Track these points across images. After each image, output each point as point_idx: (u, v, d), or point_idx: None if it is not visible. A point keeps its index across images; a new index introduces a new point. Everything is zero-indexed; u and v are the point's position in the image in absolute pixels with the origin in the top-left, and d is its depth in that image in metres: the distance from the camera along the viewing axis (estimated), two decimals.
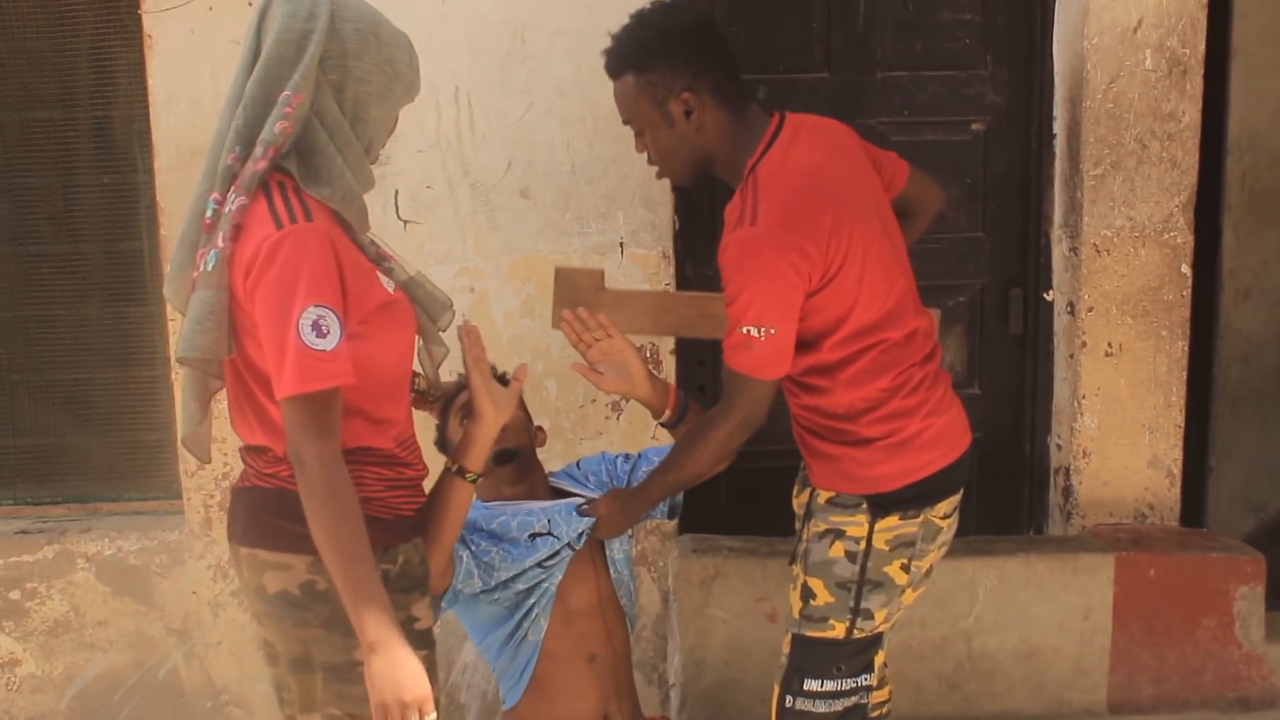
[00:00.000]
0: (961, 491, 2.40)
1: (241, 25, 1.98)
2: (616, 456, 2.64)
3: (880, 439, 2.26)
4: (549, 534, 2.35)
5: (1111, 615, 3.25)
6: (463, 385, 2.44)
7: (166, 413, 3.26)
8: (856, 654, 2.32)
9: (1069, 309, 3.38)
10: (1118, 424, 3.37)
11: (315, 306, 1.78)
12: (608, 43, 3.15)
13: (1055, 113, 3.39)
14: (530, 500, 2.46)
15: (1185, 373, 3.38)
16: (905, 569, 2.30)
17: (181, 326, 1.87)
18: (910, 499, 2.28)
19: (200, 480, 3.23)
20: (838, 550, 2.30)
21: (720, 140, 2.25)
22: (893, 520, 2.28)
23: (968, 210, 3.53)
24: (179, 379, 2.04)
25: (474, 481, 2.16)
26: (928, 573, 2.41)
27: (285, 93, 1.85)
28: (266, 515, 1.96)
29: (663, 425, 2.49)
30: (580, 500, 2.44)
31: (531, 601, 2.38)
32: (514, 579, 2.35)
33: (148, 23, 3.11)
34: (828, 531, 2.31)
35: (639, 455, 2.62)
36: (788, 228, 2.13)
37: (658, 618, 3.36)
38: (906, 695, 3.09)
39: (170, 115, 3.10)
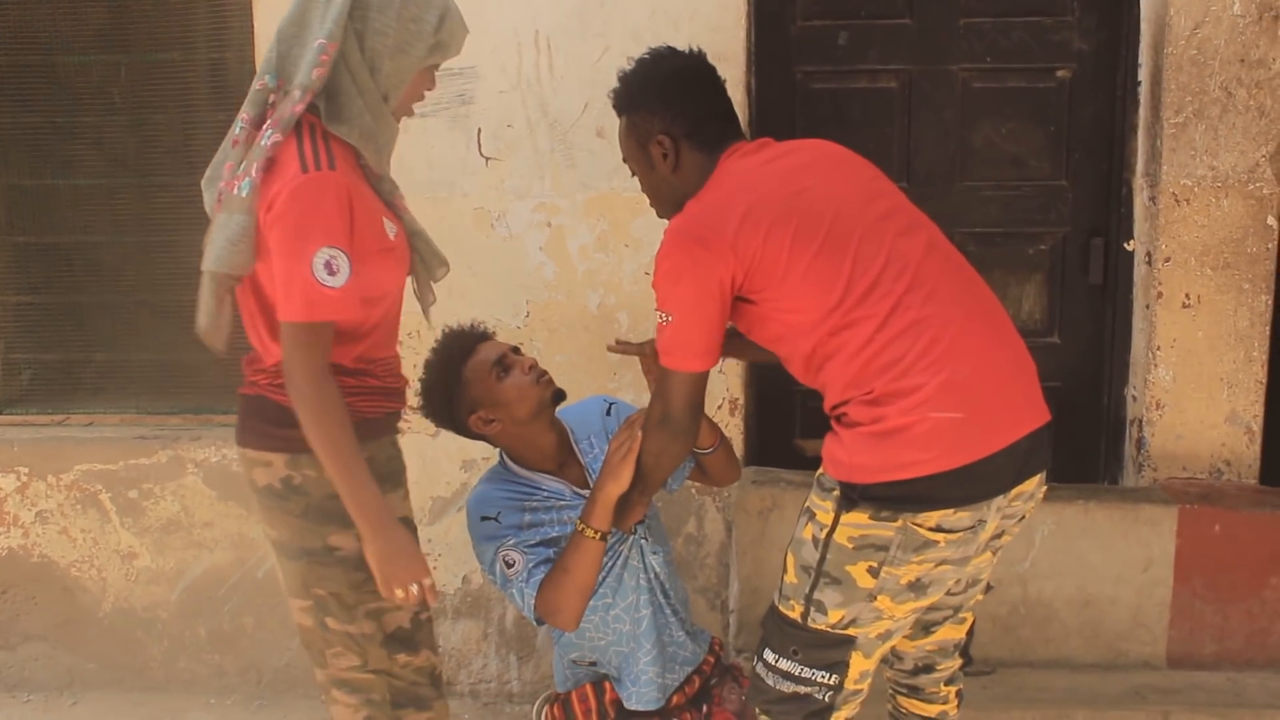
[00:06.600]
0: (985, 509, 2.08)
1: None
2: (603, 408, 2.72)
3: (864, 424, 2.06)
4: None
5: (1173, 569, 3.23)
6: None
7: None
8: (816, 646, 2.16)
9: (1147, 259, 3.34)
10: (1194, 377, 3.32)
11: (329, 248, 1.99)
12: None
13: (1140, 60, 3.33)
14: (558, 458, 2.58)
15: (1269, 327, 3.31)
16: (873, 573, 2.08)
17: (211, 240, 2.08)
18: (883, 498, 2.05)
19: None
20: (808, 532, 2.17)
21: (698, 181, 2.26)
22: (860, 517, 2.07)
23: (1051, 158, 3.51)
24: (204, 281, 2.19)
25: (601, 540, 2.38)
26: (928, 588, 2.13)
27: (321, 40, 2.05)
28: (250, 418, 2.20)
29: (699, 452, 2.60)
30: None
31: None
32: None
33: None
34: (806, 509, 2.19)
35: (615, 409, 2.70)
36: (694, 219, 2.17)
37: (721, 546, 3.48)
38: None
39: None
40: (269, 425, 2.14)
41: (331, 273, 1.99)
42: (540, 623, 2.47)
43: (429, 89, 2.23)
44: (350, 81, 2.08)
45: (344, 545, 2.14)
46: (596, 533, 2.37)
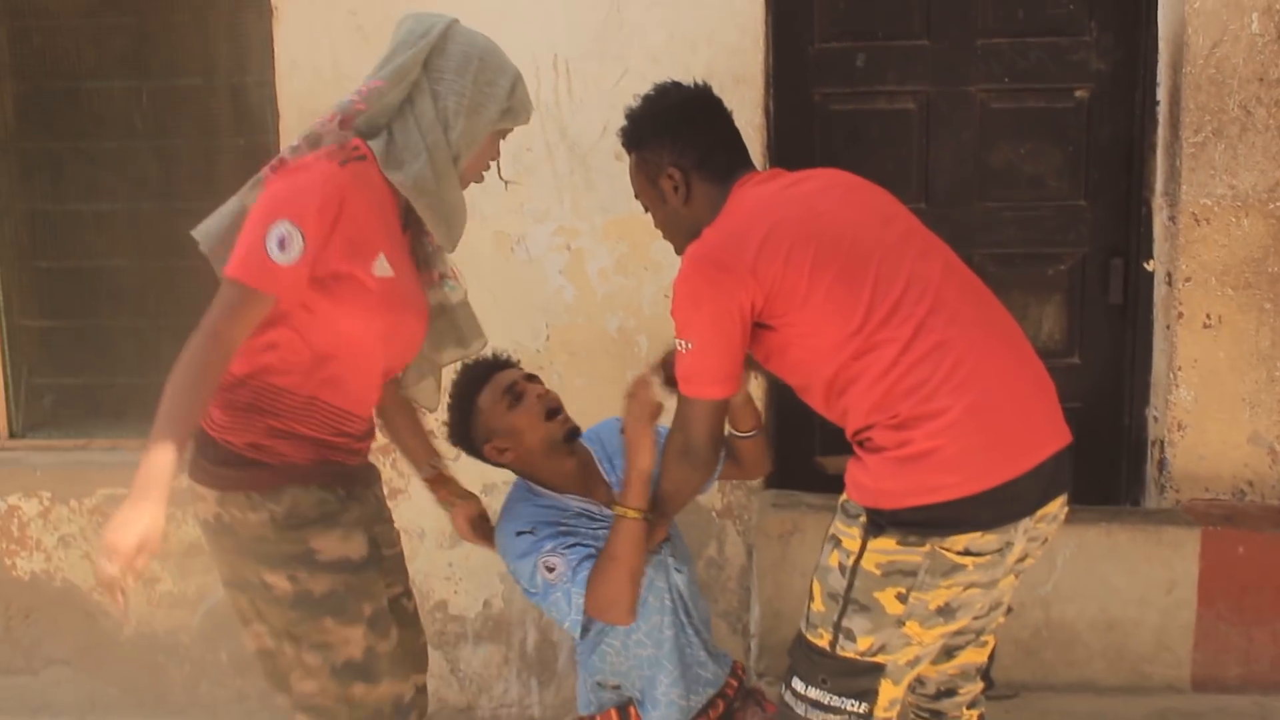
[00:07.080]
0: (1013, 531, 2.06)
1: None
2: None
3: (889, 449, 2.05)
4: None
5: (1197, 591, 3.21)
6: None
7: None
8: (845, 674, 2.13)
9: (1167, 279, 3.33)
10: (1215, 398, 3.31)
11: (290, 223, 2.00)
12: (697, 14, 3.23)
13: (1159, 79, 3.33)
14: (582, 480, 2.57)
15: None
16: (902, 599, 2.06)
17: None
18: (911, 523, 2.03)
19: None
20: (834, 559, 2.14)
21: (710, 212, 2.24)
22: (887, 543, 2.05)
23: (1070, 178, 3.51)
24: None
25: (644, 519, 2.34)
26: (957, 612, 2.11)
27: (372, 78, 2.13)
28: (195, 451, 2.19)
29: (738, 435, 2.57)
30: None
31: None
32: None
33: None
34: (831, 536, 2.16)
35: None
36: (713, 245, 2.15)
37: (742, 569, 3.47)
38: None
39: (293, 81, 3.35)
40: (207, 460, 2.14)
41: (281, 248, 1.99)
42: (585, 632, 2.41)
43: (494, 157, 2.31)
44: (418, 135, 2.15)
45: (278, 585, 2.14)
46: (638, 512, 2.33)
